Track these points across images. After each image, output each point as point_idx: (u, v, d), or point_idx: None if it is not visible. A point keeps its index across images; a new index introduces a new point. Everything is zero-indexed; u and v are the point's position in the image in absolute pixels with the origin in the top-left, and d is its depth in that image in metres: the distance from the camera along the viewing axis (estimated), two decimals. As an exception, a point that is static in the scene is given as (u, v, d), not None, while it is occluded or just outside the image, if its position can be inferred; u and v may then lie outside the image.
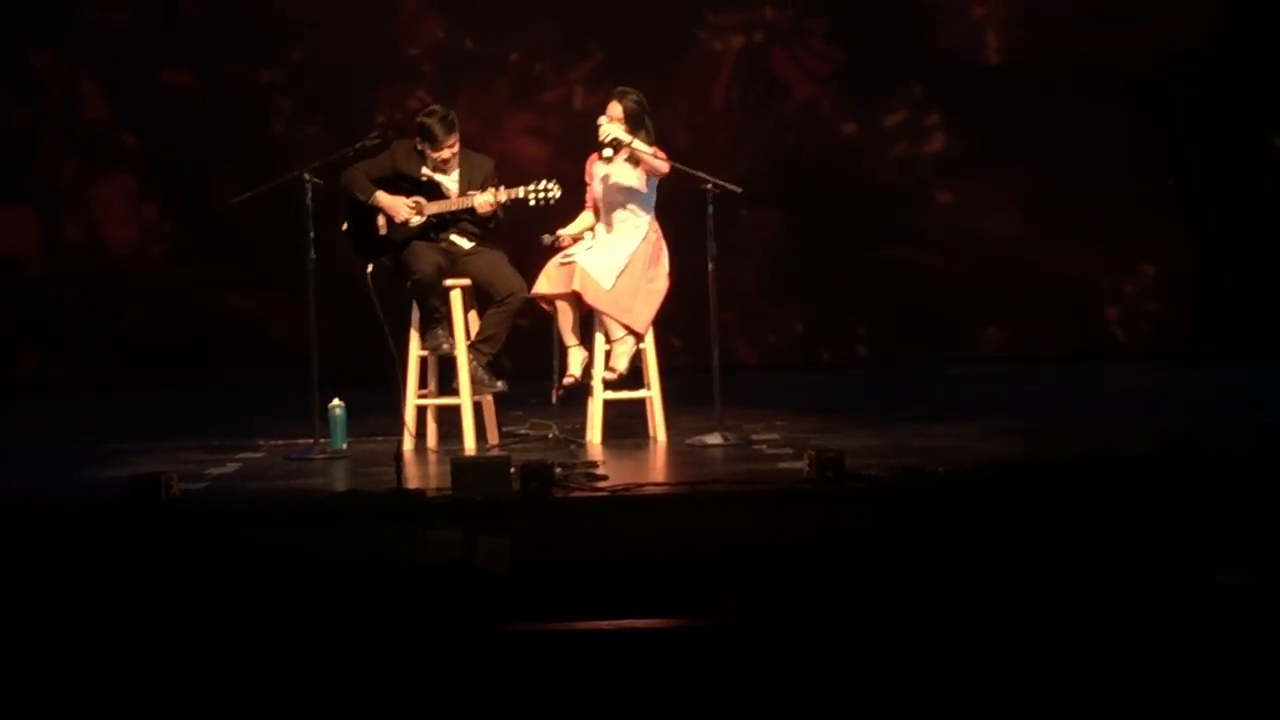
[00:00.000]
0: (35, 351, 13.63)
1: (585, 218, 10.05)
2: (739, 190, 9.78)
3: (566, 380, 9.87)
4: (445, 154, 9.84)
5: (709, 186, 9.66)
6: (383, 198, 9.79)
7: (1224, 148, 13.39)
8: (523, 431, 10.13)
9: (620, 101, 9.86)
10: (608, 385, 9.82)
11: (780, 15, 13.63)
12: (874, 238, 13.60)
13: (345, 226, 9.95)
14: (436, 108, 9.99)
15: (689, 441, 9.65)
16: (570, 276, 9.74)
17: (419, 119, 9.95)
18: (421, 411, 9.91)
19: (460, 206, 9.80)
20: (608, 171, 9.88)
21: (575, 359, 9.89)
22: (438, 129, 9.80)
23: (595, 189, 9.96)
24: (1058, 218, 13.51)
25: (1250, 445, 8.74)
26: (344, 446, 9.66)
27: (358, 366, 10.68)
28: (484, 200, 9.69)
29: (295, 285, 9.82)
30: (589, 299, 9.74)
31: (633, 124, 9.81)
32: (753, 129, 13.62)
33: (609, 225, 9.94)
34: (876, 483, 7.93)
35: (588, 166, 10.03)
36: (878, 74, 13.58)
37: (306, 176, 9.67)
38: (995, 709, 6.16)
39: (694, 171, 9.74)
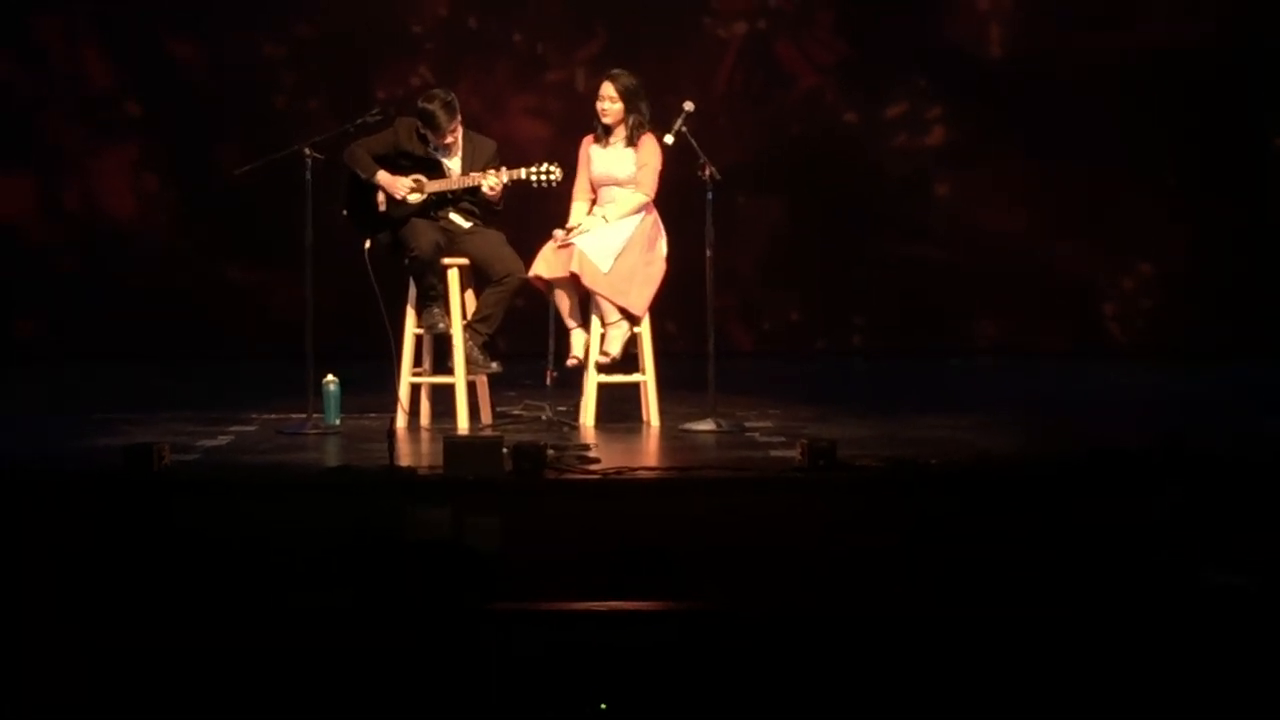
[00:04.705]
0: (33, 319, 13.63)
1: (579, 209, 9.94)
2: (719, 176, 9.72)
3: (570, 361, 9.85)
4: (448, 139, 9.82)
5: (704, 174, 9.63)
6: (384, 177, 9.76)
7: (1224, 146, 13.39)
8: (516, 412, 10.13)
9: (613, 82, 9.82)
10: (601, 369, 9.82)
11: (786, 2, 13.63)
12: (873, 228, 13.59)
13: (345, 212, 9.94)
14: (438, 92, 9.92)
15: (682, 427, 9.64)
16: (568, 259, 9.72)
17: (420, 104, 9.87)
18: (415, 389, 9.91)
19: (461, 186, 9.78)
20: (606, 155, 9.87)
21: (578, 340, 9.86)
22: (440, 115, 9.74)
23: (593, 172, 9.93)
24: (1057, 213, 13.51)
25: (1245, 446, 8.73)
26: (337, 422, 9.67)
27: (354, 343, 10.67)
28: (493, 183, 9.66)
29: (294, 260, 9.81)
30: (586, 282, 9.72)
31: (630, 102, 9.78)
32: (755, 116, 13.61)
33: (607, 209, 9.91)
34: (868, 473, 7.94)
35: (582, 149, 9.98)
36: (881, 65, 13.57)
37: (307, 151, 9.65)
38: (979, 692, 6.18)
39: (695, 144, 9.68)
